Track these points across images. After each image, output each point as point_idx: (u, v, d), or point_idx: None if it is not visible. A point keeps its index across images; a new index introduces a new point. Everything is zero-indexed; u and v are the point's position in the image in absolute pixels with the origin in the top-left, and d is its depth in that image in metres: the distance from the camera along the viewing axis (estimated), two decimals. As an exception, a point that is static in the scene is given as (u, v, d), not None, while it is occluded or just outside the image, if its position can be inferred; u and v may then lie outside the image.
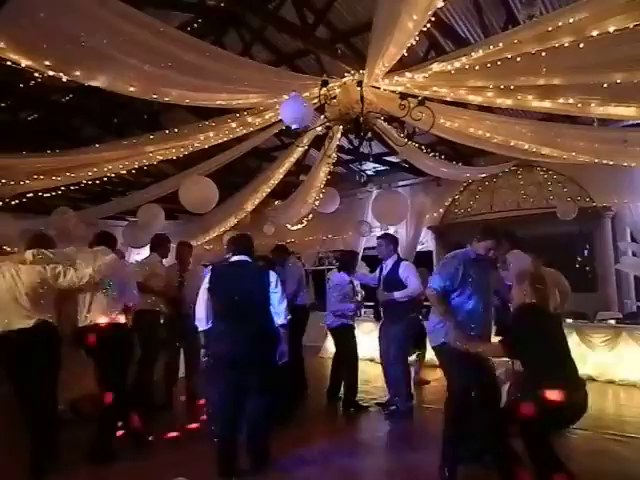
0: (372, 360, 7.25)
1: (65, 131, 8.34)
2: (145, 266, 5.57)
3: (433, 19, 3.88)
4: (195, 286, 5.44)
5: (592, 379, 6.26)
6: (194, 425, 4.83)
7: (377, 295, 5.48)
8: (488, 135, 5.80)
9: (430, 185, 10.08)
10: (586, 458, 3.89)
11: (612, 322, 6.66)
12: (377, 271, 5.53)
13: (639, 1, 3.06)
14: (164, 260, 5.83)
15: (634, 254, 7.80)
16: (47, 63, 3.65)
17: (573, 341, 3.28)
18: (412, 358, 6.12)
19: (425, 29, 4.05)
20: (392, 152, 8.46)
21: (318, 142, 6.68)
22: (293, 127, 4.42)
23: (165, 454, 4.14)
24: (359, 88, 4.81)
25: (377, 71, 4.50)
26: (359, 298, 5.94)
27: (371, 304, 7.44)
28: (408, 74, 4.50)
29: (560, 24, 3.39)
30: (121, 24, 3.46)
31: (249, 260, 4.01)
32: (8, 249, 3.93)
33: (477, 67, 4.06)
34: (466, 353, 3.30)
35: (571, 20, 3.32)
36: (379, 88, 4.95)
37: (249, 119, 5.66)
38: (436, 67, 4.21)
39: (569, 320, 6.42)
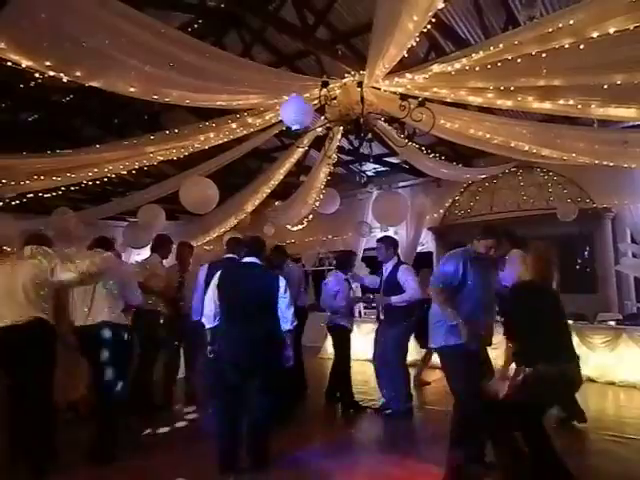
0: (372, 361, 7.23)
1: (65, 131, 8.34)
2: (145, 266, 5.58)
3: (433, 20, 3.89)
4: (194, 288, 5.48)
5: (592, 380, 6.26)
6: (194, 425, 4.83)
7: (376, 298, 5.47)
8: (488, 136, 5.81)
9: (430, 186, 10.08)
10: (586, 459, 3.89)
11: (612, 323, 6.66)
12: (378, 274, 5.53)
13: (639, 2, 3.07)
14: (164, 261, 5.83)
15: (634, 255, 7.80)
16: (48, 63, 3.66)
17: (573, 342, 3.30)
18: (415, 357, 6.13)
19: (425, 30, 4.06)
20: (392, 153, 8.47)
21: (318, 143, 6.69)
22: (293, 128, 4.42)
23: (165, 454, 4.13)
24: (359, 89, 4.81)
25: (377, 72, 4.50)
26: (354, 295, 5.96)
27: (374, 305, 7.44)
28: (408, 75, 4.50)
29: (560, 25, 3.40)
30: (121, 25, 3.47)
31: (259, 263, 4.02)
32: (8, 249, 3.92)
33: (477, 68, 4.07)
34: (469, 355, 3.30)
35: (571, 21, 3.33)
36: (379, 89, 4.95)
37: (249, 120, 5.66)
38: (436, 68, 4.22)
39: (569, 321, 6.40)
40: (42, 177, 5.68)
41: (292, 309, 3.90)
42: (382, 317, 5.37)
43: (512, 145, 6.01)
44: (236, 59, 4.76)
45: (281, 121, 5.04)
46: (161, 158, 6.24)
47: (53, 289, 3.93)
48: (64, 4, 3.22)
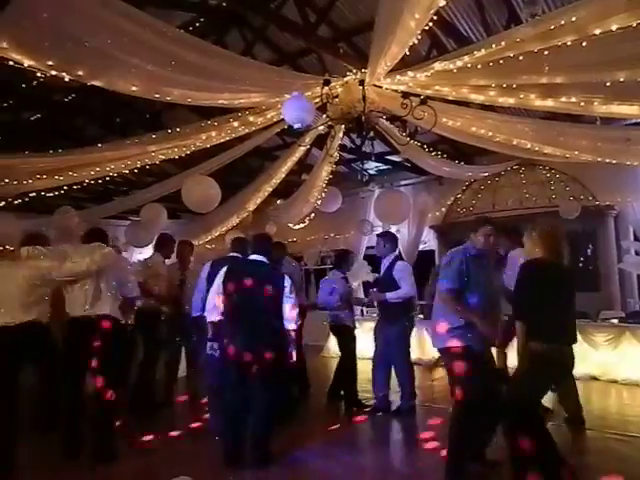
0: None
1: (67, 131, 8.36)
2: (148, 265, 5.58)
3: (435, 18, 3.89)
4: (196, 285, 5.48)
5: (595, 378, 6.26)
6: (195, 424, 4.83)
7: (369, 294, 5.48)
8: (490, 134, 5.80)
9: (432, 184, 10.06)
10: (588, 457, 3.89)
11: (615, 321, 6.64)
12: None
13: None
14: (166, 260, 5.84)
15: (637, 253, 7.77)
16: (50, 63, 3.67)
17: (575, 323, 3.27)
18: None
19: (427, 28, 4.06)
20: (394, 151, 8.45)
21: (320, 141, 6.69)
22: (295, 126, 4.42)
23: (167, 453, 4.14)
24: (361, 87, 4.81)
25: (379, 70, 4.50)
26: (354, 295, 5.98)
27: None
28: (410, 73, 4.50)
29: (562, 22, 3.39)
30: (123, 24, 3.48)
31: (266, 261, 4.03)
32: (11, 248, 3.93)
33: (479, 66, 4.06)
34: (473, 356, 3.29)
35: (573, 18, 3.32)
36: (381, 87, 4.95)
37: (251, 118, 5.67)
38: (438, 66, 4.21)
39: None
40: (44, 176, 5.70)
41: (297, 310, 3.93)
42: (379, 314, 5.38)
43: (514, 143, 6.00)
44: (238, 57, 4.77)
45: (283, 119, 5.03)
46: (163, 157, 6.25)
47: (52, 287, 3.94)
48: (66, 4, 3.23)
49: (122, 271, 4.42)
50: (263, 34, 6.90)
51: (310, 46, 6.41)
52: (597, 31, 3.38)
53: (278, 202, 9.40)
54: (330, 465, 3.85)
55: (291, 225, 10.03)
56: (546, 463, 2.91)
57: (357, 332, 5.83)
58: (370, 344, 6.68)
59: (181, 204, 6.83)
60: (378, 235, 5.51)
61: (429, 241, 10.23)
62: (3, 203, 6.19)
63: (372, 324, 7.61)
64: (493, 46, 3.78)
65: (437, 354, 6.44)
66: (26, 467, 3.67)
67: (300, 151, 7.16)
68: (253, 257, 4.05)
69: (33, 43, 3.48)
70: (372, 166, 10.26)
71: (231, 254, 4.86)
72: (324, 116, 5.42)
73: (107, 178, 6.61)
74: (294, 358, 3.99)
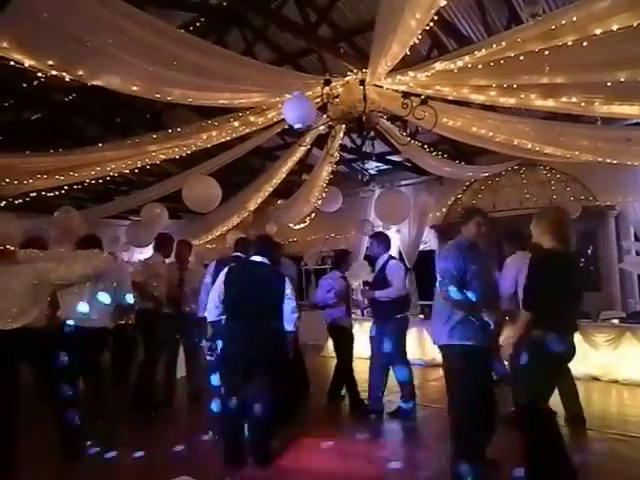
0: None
1: (68, 130, 8.37)
2: (148, 265, 5.59)
3: (436, 18, 3.89)
4: (195, 285, 5.49)
5: (595, 378, 6.26)
6: (195, 422, 4.84)
7: (361, 291, 5.50)
8: (491, 134, 5.79)
9: (433, 184, 10.06)
10: (589, 457, 3.88)
11: (615, 321, 6.63)
12: None
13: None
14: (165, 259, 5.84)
15: (638, 253, 7.77)
16: (50, 63, 3.67)
17: (576, 340, 3.24)
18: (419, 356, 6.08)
19: (428, 28, 4.06)
20: (395, 151, 8.46)
21: (321, 141, 6.68)
22: (296, 126, 4.42)
23: (167, 452, 4.14)
24: (362, 87, 4.81)
25: (380, 70, 4.50)
26: (354, 296, 5.99)
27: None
28: (411, 73, 4.50)
29: (563, 22, 3.39)
30: (123, 24, 3.48)
31: (267, 262, 4.03)
32: (11, 248, 3.92)
33: (480, 66, 4.06)
34: (473, 354, 3.28)
35: (574, 18, 3.32)
36: (382, 87, 4.95)
37: (252, 118, 5.67)
38: (439, 66, 4.21)
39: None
40: (45, 176, 5.71)
41: (296, 314, 3.95)
42: (372, 314, 5.38)
43: (515, 143, 6.00)
44: (238, 57, 4.77)
45: (283, 119, 5.03)
46: (163, 157, 6.25)
47: (49, 290, 3.94)
48: (66, 3, 3.23)
49: (122, 278, 4.44)
50: (264, 34, 6.90)
51: (311, 46, 6.41)
52: (598, 31, 3.38)
53: (279, 202, 9.40)
54: (330, 465, 3.85)
55: (292, 225, 10.03)
56: (553, 462, 2.90)
57: (357, 332, 5.83)
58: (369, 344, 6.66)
59: (182, 204, 6.83)
60: (370, 236, 5.55)
61: (429, 241, 10.23)
62: (4, 203, 6.19)
63: (370, 324, 7.63)
64: (494, 46, 3.78)
65: (438, 354, 6.50)
66: (26, 467, 3.65)
67: (301, 151, 7.16)
68: (254, 258, 4.05)
69: (33, 43, 3.48)
70: (373, 166, 10.25)
71: (234, 254, 4.87)
72: (325, 116, 5.42)
73: (108, 178, 6.62)
74: (290, 356, 4.04)
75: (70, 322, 4.14)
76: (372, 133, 5.47)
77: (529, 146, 6.01)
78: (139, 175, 7.61)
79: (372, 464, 3.92)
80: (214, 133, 5.81)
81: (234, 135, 6.09)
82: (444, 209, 10.07)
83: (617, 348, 6.27)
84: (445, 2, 3.52)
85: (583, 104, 4.54)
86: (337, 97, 5.00)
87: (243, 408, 3.78)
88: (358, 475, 3.75)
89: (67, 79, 3.98)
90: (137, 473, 3.80)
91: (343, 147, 6.99)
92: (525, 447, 3.08)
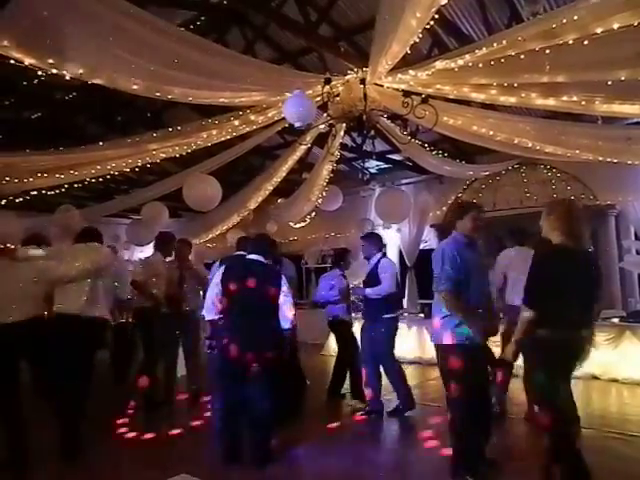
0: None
1: (68, 129, 8.36)
2: (148, 264, 5.59)
3: (436, 16, 3.89)
4: (195, 284, 5.49)
5: (595, 377, 6.25)
6: (196, 422, 4.84)
7: (353, 289, 5.49)
8: (491, 133, 5.79)
9: (433, 183, 10.05)
10: (589, 456, 3.86)
11: (616, 320, 6.63)
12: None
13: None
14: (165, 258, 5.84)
15: (638, 252, 7.78)
16: (50, 61, 3.67)
17: (590, 309, 3.22)
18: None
19: (428, 26, 4.05)
20: (395, 150, 8.45)
21: (321, 140, 6.68)
22: (296, 125, 4.42)
23: (167, 450, 4.15)
24: (362, 86, 4.81)
25: (380, 69, 4.50)
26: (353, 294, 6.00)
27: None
28: (411, 72, 4.49)
29: (564, 21, 3.39)
30: (124, 22, 3.48)
31: (263, 260, 4.03)
32: (12, 247, 3.93)
33: (480, 65, 4.06)
34: (471, 352, 3.28)
35: (575, 17, 3.32)
36: (382, 86, 4.95)
37: (252, 117, 5.67)
38: (439, 65, 4.21)
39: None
40: (45, 175, 5.71)
41: (293, 311, 4.00)
42: (362, 312, 5.37)
43: (515, 142, 5.99)
44: (239, 56, 4.77)
45: (284, 118, 5.03)
46: (164, 155, 6.26)
47: (50, 286, 3.94)
48: (66, 2, 3.23)
49: (119, 271, 4.43)
50: (264, 32, 6.90)
51: (311, 45, 6.41)
52: (598, 30, 3.38)
53: (279, 201, 9.40)
54: (330, 465, 3.85)
55: (292, 224, 10.04)
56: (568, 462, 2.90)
57: (357, 331, 5.81)
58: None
59: (182, 203, 6.83)
60: (361, 237, 5.50)
61: (430, 240, 10.22)
62: (4, 201, 6.19)
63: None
64: (494, 45, 3.77)
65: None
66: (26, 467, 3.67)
67: (301, 150, 7.16)
68: (251, 257, 4.06)
69: (34, 41, 3.48)
70: (373, 165, 10.26)
71: (237, 253, 4.87)
72: (325, 115, 5.42)
73: (108, 176, 6.62)
74: (287, 353, 4.09)
75: (68, 312, 4.09)
76: (372, 132, 5.47)
77: (529, 145, 6.00)
78: (139, 174, 7.62)
79: (371, 464, 3.92)
80: (214, 132, 5.81)
81: (234, 134, 6.09)
82: (444, 208, 10.05)
83: (617, 347, 6.27)
84: (446, 1, 3.52)
85: (584, 103, 4.54)
86: (337, 96, 5.00)
87: (242, 407, 3.79)
88: (357, 475, 3.75)
89: (67, 78, 3.98)
90: (136, 471, 3.80)
91: (343, 146, 6.99)
92: (549, 448, 3.06)
